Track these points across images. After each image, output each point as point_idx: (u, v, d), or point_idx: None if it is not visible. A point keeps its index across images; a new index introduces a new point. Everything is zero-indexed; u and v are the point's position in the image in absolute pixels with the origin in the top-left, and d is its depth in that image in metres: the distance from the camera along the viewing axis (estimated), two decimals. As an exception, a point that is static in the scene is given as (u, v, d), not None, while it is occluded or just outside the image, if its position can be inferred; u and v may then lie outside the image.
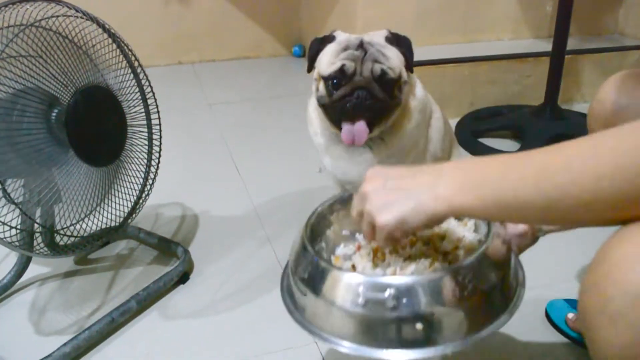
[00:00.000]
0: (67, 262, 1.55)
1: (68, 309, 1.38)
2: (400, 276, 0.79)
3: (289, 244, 1.55)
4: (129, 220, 1.40)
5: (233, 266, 1.52)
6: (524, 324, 1.29)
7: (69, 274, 1.51)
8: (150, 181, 1.40)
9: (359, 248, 0.93)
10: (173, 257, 1.53)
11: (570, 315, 1.25)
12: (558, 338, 1.26)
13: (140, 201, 1.39)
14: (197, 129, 2.44)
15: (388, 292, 0.73)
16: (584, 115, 2.31)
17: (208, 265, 1.52)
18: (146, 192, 1.40)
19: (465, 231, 0.91)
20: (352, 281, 0.77)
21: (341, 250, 0.95)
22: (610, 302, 0.62)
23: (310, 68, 1.29)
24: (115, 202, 1.36)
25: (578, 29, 2.76)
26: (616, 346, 0.62)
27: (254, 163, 2.09)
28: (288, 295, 0.88)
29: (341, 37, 1.25)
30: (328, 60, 1.22)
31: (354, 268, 0.88)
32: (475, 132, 2.29)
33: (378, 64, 1.19)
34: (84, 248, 1.34)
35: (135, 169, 1.39)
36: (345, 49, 1.21)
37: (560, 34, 2.13)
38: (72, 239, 1.27)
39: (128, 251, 1.60)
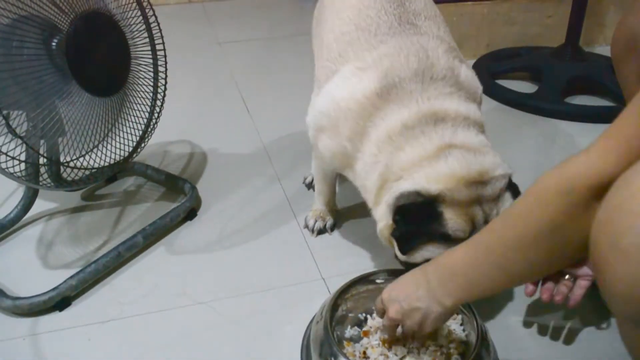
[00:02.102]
0: (74, 198, 1.53)
1: (75, 243, 1.38)
2: None
3: (298, 182, 1.56)
4: (134, 155, 1.37)
5: (241, 203, 1.50)
6: None
7: (76, 210, 1.50)
8: (157, 114, 1.37)
9: (365, 334, 1.05)
10: (180, 193, 1.51)
11: None
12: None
13: (147, 134, 1.36)
14: (206, 68, 2.38)
15: None
16: (606, 58, 2.24)
17: (216, 202, 1.50)
18: (152, 125, 1.37)
19: (454, 324, 1.05)
20: None
21: (349, 333, 1.07)
22: (623, 234, 0.58)
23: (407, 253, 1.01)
24: (121, 137, 1.33)
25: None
26: (627, 283, 0.57)
27: (263, 102, 2.04)
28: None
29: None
30: (441, 250, 0.98)
31: (365, 355, 1.01)
32: (492, 74, 2.21)
33: None
34: (89, 182, 1.32)
35: (141, 102, 1.35)
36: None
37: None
38: (78, 172, 1.25)
39: (135, 188, 1.58)
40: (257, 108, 2.00)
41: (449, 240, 0.95)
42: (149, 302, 1.19)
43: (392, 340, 1.02)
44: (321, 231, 1.37)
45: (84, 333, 1.12)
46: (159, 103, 1.37)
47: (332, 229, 1.37)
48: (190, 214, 1.44)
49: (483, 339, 0.99)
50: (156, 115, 1.37)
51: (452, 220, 0.94)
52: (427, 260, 0.97)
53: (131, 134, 1.35)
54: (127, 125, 1.33)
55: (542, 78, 2.10)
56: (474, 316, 1.03)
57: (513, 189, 1.00)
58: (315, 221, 1.37)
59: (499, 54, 2.38)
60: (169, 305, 1.18)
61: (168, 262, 1.30)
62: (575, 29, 2.10)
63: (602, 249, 0.61)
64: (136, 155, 1.38)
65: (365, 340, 1.05)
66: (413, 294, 0.88)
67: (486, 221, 0.95)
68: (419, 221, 0.96)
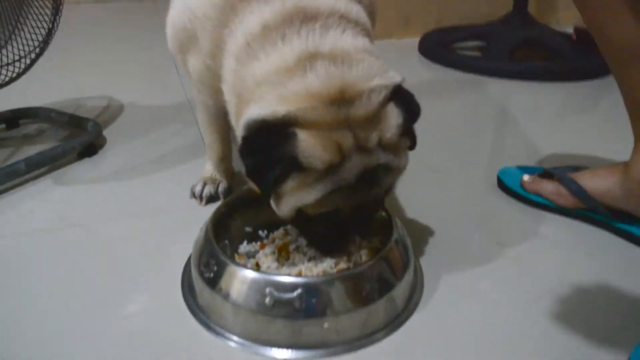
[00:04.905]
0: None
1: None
2: (309, 276, 0.81)
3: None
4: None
5: (151, 142, 1.36)
6: (476, 193, 1.15)
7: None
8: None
9: (262, 246, 0.91)
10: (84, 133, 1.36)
11: (526, 177, 1.11)
12: (511, 205, 1.11)
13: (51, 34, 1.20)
14: (142, 41, 2.26)
15: (297, 292, 0.75)
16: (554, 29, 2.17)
17: (124, 142, 1.36)
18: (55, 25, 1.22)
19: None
20: (260, 280, 0.77)
21: (244, 248, 0.93)
22: None
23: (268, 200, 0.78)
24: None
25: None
26: None
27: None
28: (190, 293, 0.87)
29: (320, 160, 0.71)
30: (307, 190, 0.74)
31: (257, 266, 0.87)
32: (441, 44, 2.12)
33: (386, 186, 0.80)
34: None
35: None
36: (339, 184, 0.73)
37: None
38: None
39: (37, 132, 1.43)
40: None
41: (305, 172, 0.71)
42: (14, 226, 1.03)
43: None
44: (212, 198, 1.10)
45: None
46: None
47: (225, 195, 1.10)
48: (90, 150, 1.28)
49: (396, 241, 0.85)
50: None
51: (306, 142, 0.69)
52: (300, 213, 0.78)
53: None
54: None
55: (488, 42, 2.01)
56: (392, 221, 0.88)
57: (401, 98, 0.75)
58: (204, 186, 1.11)
59: (448, 28, 2.30)
60: (36, 228, 1.02)
61: (52, 192, 1.14)
62: (522, -7, 2.03)
63: None
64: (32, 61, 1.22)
65: (260, 253, 0.90)
66: None
67: (361, 148, 0.72)
68: (267, 149, 0.72)
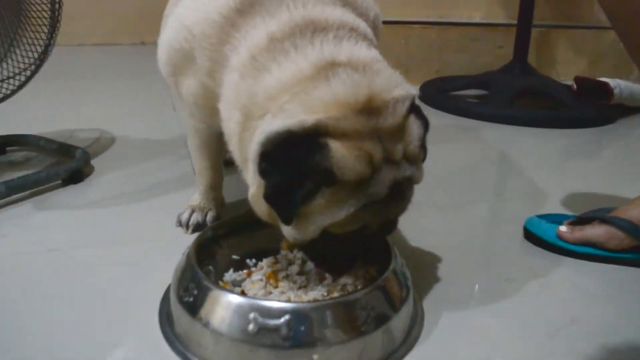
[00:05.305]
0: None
1: None
2: (296, 302, 0.74)
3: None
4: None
5: (140, 172, 1.32)
6: (479, 232, 1.10)
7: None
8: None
9: (249, 274, 0.85)
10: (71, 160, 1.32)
11: (563, 228, 1.00)
12: (516, 243, 1.04)
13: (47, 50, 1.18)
14: (141, 80, 2.26)
15: (284, 319, 0.68)
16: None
17: (112, 172, 1.31)
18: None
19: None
20: (244, 305, 0.70)
21: (230, 276, 0.85)
22: None
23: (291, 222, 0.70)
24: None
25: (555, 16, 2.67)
26: None
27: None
28: (167, 321, 0.79)
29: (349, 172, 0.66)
30: (338, 206, 0.68)
31: (243, 294, 0.80)
32: (441, 90, 2.11)
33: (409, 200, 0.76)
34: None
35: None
36: (369, 199, 0.68)
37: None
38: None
39: (23, 159, 1.38)
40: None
41: (336, 186, 0.66)
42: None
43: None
44: (199, 226, 1.04)
45: None
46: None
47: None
48: (75, 176, 1.23)
49: (394, 271, 0.79)
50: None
51: (340, 153, 0.64)
52: (327, 235, 0.71)
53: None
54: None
55: (489, 90, 2.01)
56: (391, 251, 0.82)
57: (417, 112, 0.72)
58: (192, 213, 1.05)
59: (449, 77, 2.30)
60: (13, 251, 0.96)
61: (33, 216, 1.09)
62: (523, 42, 2.04)
63: None
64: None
65: (247, 281, 0.84)
66: None
67: (388, 160, 0.68)
68: (295, 163, 0.65)
